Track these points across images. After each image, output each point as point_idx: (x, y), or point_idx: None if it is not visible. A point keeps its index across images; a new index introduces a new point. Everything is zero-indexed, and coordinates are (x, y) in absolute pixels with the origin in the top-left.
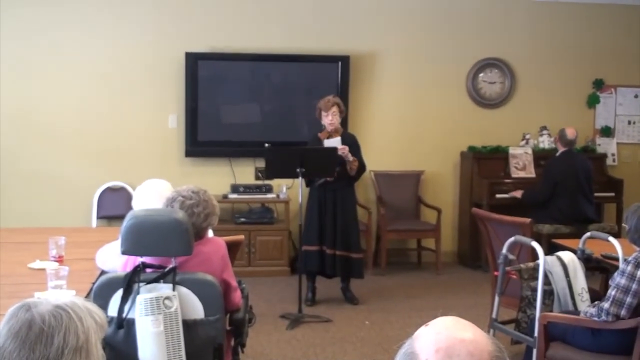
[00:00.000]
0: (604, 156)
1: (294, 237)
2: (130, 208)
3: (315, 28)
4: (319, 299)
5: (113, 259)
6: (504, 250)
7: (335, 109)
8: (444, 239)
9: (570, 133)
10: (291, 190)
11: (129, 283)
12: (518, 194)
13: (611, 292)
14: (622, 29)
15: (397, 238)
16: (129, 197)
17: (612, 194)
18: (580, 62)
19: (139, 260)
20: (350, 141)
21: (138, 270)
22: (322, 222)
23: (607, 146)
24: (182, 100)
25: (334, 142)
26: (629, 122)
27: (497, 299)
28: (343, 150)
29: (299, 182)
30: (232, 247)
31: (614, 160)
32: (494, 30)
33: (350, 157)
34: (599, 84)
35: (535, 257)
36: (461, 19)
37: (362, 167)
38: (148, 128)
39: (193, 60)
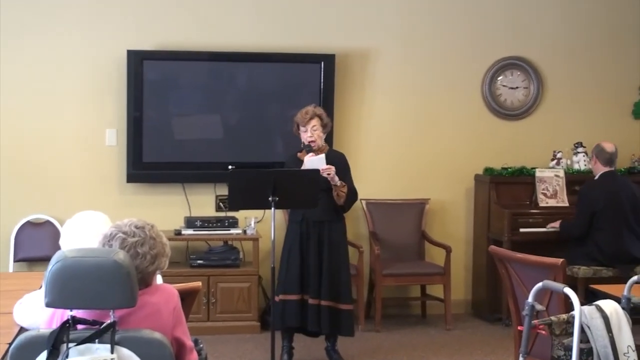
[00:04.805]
0: None
1: (265, 284)
2: (57, 248)
3: (293, 20)
4: None
5: (35, 312)
6: (530, 299)
7: (315, 122)
8: (455, 285)
9: (608, 147)
10: (261, 225)
11: (55, 343)
12: (556, 224)
13: None
14: None
15: (396, 284)
16: (55, 234)
17: None
18: (624, 62)
19: (68, 314)
20: (338, 161)
21: (67, 326)
22: (303, 265)
23: None
24: (124, 110)
25: (317, 160)
26: None
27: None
28: (328, 170)
29: (272, 213)
30: (187, 297)
31: None
32: (516, 23)
33: (337, 181)
34: None
35: (569, 307)
36: (475, 9)
37: (352, 194)
38: (80, 146)
39: (137, 60)
